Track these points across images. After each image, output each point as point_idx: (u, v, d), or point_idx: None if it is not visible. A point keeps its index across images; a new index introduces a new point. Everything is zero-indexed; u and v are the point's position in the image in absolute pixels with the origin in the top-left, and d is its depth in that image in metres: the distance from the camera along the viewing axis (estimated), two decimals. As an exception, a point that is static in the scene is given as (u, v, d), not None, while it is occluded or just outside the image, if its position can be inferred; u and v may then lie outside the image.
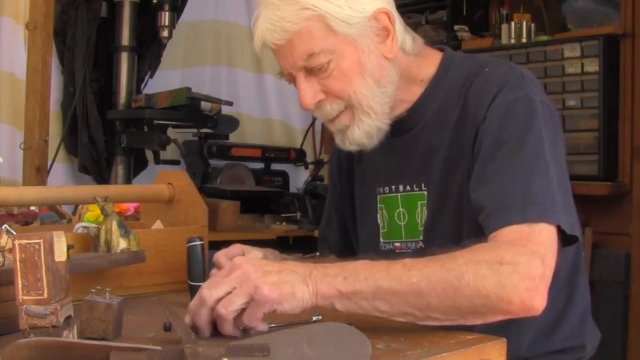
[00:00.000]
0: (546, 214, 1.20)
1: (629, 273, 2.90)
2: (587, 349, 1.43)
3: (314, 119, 4.00)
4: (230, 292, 1.09)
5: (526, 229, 1.18)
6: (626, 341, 2.88)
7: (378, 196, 1.50)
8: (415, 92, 1.43)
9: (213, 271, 1.29)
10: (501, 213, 1.21)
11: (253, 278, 1.09)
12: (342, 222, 1.64)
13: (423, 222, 1.41)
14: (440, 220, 1.39)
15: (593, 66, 3.00)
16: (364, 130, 1.37)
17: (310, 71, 1.34)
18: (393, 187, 1.47)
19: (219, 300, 1.09)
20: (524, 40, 3.27)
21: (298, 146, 3.86)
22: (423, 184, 1.42)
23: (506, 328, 1.29)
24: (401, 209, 1.46)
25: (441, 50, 1.47)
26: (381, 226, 1.50)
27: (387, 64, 1.37)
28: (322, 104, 1.37)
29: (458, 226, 1.35)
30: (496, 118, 1.29)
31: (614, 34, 3.00)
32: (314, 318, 1.27)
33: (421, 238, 1.41)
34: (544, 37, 3.24)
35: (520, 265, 1.12)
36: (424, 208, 1.41)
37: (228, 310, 1.09)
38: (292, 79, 1.37)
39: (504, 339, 1.17)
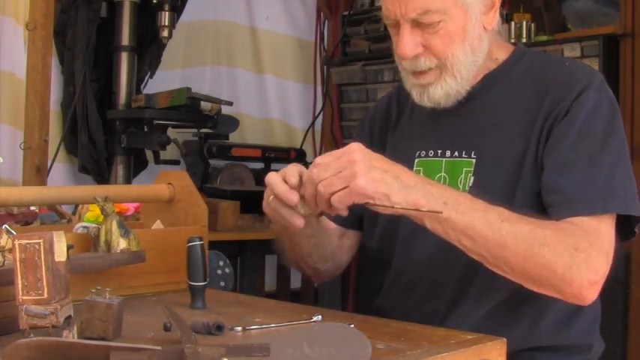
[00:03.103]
0: (627, 206, 1.31)
1: (629, 273, 2.90)
2: (593, 352, 1.44)
3: (314, 119, 4.00)
4: (334, 175, 1.19)
5: (605, 221, 1.29)
6: (626, 341, 2.87)
7: (416, 160, 1.51)
8: (487, 68, 1.47)
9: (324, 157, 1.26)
10: (586, 202, 1.29)
11: (357, 168, 1.18)
12: None
13: (466, 188, 1.43)
14: (486, 190, 1.40)
15: (593, 66, 2.99)
16: (445, 91, 1.42)
17: (418, 24, 1.37)
18: (439, 151, 1.48)
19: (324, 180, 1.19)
20: (524, 40, 3.26)
21: (298, 146, 3.85)
22: (472, 152, 1.44)
23: (519, 317, 1.33)
24: (443, 174, 1.47)
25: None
26: None
27: (484, 35, 1.43)
28: (418, 57, 1.40)
29: (505, 198, 1.37)
30: (583, 111, 1.35)
31: (614, 34, 2.99)
32: (314, 318, 1.27)
33: None
34: (544, 37, 3.23)
35: (591, 257, 1.23)
36: (469, 175, 1.43)
37: (326, 190, 1.19)
38: (395, 25, 1.40)
39: (504, 339, 1.17)
